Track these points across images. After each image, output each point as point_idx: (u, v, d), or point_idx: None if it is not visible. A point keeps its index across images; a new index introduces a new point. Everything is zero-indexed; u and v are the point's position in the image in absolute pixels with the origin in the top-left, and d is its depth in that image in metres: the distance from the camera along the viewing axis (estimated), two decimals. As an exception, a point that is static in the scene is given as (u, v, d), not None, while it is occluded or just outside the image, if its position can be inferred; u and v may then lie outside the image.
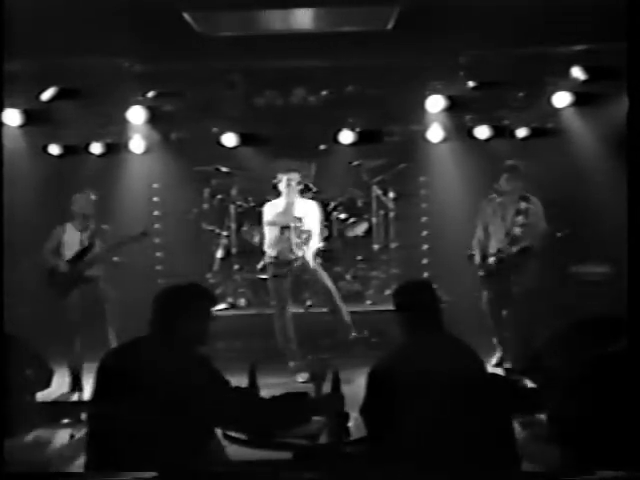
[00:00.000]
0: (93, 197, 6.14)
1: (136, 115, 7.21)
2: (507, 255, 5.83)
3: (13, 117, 6.90)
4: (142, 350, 2.95)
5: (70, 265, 5.88)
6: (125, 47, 6.09)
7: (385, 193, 7.77)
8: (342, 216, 7.79)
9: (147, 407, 2.75)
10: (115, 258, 6.19)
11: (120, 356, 3.02)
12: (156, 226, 8.25)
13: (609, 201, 6.48)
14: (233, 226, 7.65)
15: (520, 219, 5.83)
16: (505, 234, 5.88)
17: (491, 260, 5.91)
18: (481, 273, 6.01)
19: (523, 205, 5.88)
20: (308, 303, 7.33)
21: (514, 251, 5.79)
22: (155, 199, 8.35)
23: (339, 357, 5.79)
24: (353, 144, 7.57)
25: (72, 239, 5.96)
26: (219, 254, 7.65)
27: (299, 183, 6.33)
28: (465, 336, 3.38)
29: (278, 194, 6.36)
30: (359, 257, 7.95)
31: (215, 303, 3.21)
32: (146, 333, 3.01)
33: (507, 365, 5.84)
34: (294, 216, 6.19)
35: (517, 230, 5.82)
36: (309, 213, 6.29)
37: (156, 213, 8.33)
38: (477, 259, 6.02)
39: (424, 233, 8.21)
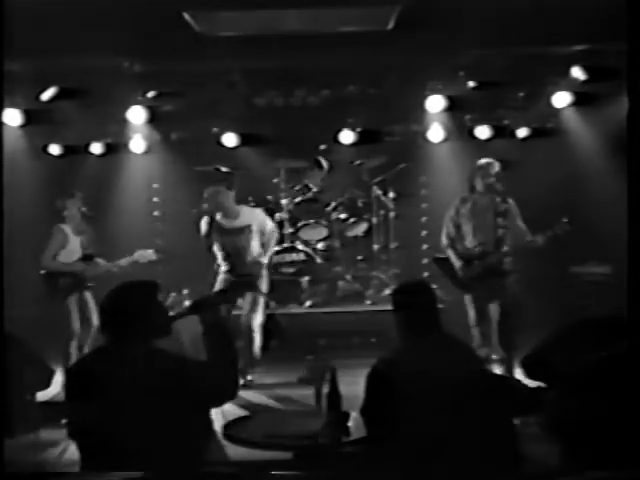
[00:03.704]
0: (84, 210, 6.13)
1: (136, 115, 7.22)
2: (496, 258, 5.67)
3: (13, 117, 6.91)
4: (105, 357, 2.91)
5: (69, 270, 5.89)
6: (125, 47, 6.09)
7: (385, 193, 7.78)
8: (342, 216, 7.80)
9: (123, 410, 2.73)
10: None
11: (83, 367, 2.97)
12: (156, 226, 8.27)
13: (609, 201, 6.48)
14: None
15: (501, 221, 5.72)
16: (490, 238, 5.64)
17: (477, 263, 5.76)
18: (463, 278, 5.73)
19: (503, 206, 5.71)
20: (308, 304, 7.34)
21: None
22: (155, 199, 8.35)
23: (338, 357, 5.80)
24: (353, 144, 7.58)
25: (73, 244, 5.97)
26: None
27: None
28: (464, 336, 3.38)
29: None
30: (359, 257, 7.97)
31: (157, 289, 3.07)
32: (103, 341, 2.95)
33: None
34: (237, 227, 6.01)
35: (500, 232, 5.71)
36: (255, 221, 6.05)
37: (156, 213, 8.33)
38: (457, 263, 5.75)
39: (424, 233, 8.21)
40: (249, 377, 6.05)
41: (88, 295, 5.99)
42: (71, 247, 5.93)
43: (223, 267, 6.13)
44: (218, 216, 5.98)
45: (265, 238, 6.08)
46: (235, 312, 6.18)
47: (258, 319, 6.07)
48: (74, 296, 5.88)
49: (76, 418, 2.88)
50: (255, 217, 6.09)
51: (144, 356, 2.86)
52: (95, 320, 5.97)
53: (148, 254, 6.14)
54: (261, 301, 6.10)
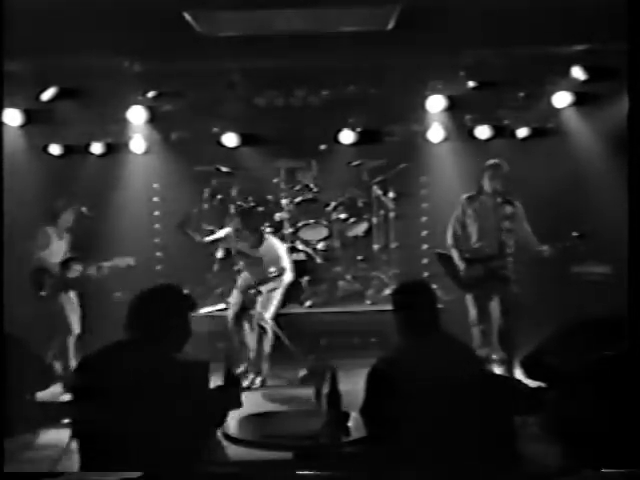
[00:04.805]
0: (84, 210, 6.21)
1: (136, 115, 7.22)
2: (499, 261, 5.64)
3: (13, 117, 6.90)
4: (120, 353, 2.94)
5: (55, 271, 5.91)
6: (125, 47, 6.09)
7: (385, 193, 7.78)
8: (342, 216, 7.80)
9: (126, 409, 2.74)
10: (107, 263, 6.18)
11: (97, 360, 2.98)
12: (156, 226, 8.27)
13: (609, 201, 6.48)
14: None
15: (507, 224, 5.71)
16: (495, 240, 5.67)
17: (480, 264, 5.75)
18: (465, 277, 5.76)
19: (509, 209, 5.71)
20: (308, 304, 7.34)
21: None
22: (155, 199, 8.36)
23: (338, 357, 5.81)
24: (353, 144, 7.58)
25: (56, 247, 5.99)
26: (219, 254, 7.66)
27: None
28: (464, 336, 3.37)
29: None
30: (359, 257, 7.97)
31: (194, 308, 3.14)
32: (124, 337, 2.98)
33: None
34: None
35: (505, 235, 5.70)
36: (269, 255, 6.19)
37: (156, 213, 8.33)
38: (460, 264, 5.76)
39: (424, 233, 8.20)
40: (258, 379, 6.06)
41: (73, 296, 6.02)
42: (53, 249, 5.96)
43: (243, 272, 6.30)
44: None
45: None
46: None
47: (271, 316, 6.11)
48: (61, 295, 5.90)
49: (81, 411, 2.89)
50: (271, 252, 6.18)
51: (157, 358, 2.88)
52: (76, 322, 5.99)
53: (127, 260, 6.16)
54: (276, 299, 6.17)
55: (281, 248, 6.31)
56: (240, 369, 6.00)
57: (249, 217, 6.31)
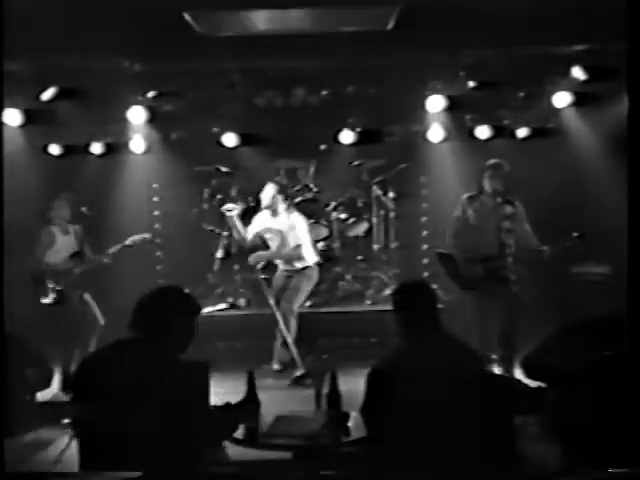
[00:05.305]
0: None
1: (136, 115, 7.22)
2: (500, 262, 5.66)
3: (13, 117, 6.90)
4: (123, 352, 2.94)
5: (60, 270, 5.89)
6: (125, 47, 6.09)
7: (385, 193, 7.78)
8: (342, 216, 7.80)
9: (126, 409, 2.75)
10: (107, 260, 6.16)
11: (101, 358, 3.00)
12: (156, 226, 8.27)
13: (609, 201, 6.48)
14: (233, 226, 7.64)
15: (507, 224, 5.72)
16: (495, 240, 5.68)
17: (480, 264, 5.76)
18: (465, 277, 5.75)
19: (509, 209, 5.72)
20: (308, 304, 7.34)
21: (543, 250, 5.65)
22: (155, 199, 8.35)
23: (338, 357, 5.82)
24: (353, 144, 7.58)
25: (62, 244, 5.98)
26: (219, 254, 7.65)
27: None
28: (464, 336, 3.37)
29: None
30: (359, 257, 7.97)
31: (199, 311, 3.16)
32: (128, 335, 2.99)
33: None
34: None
35: (505, 235, 5.70)
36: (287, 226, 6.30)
37: (156, 213, 8.33)
38: (461, 263, 5.74)
39: (424, 233, 8.21)
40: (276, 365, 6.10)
41: (86, 294, 6.00)
42: (59, 246, 5.95)
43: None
44: (267, 214, 6.31)
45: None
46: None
47: (296, 308, 6.14)
48: (68, 295, 5.89)
49: (81, 411, 2.89)
50: (289, 223, 6.27)
51: (158, 358, 2.89)
52: (99, 316, 5.98)
53: (143, 236, 6.15)
54: (303, 290, 6.26)
55: (304, 225, 6.35)
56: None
57: (285, 188, 6.45)
